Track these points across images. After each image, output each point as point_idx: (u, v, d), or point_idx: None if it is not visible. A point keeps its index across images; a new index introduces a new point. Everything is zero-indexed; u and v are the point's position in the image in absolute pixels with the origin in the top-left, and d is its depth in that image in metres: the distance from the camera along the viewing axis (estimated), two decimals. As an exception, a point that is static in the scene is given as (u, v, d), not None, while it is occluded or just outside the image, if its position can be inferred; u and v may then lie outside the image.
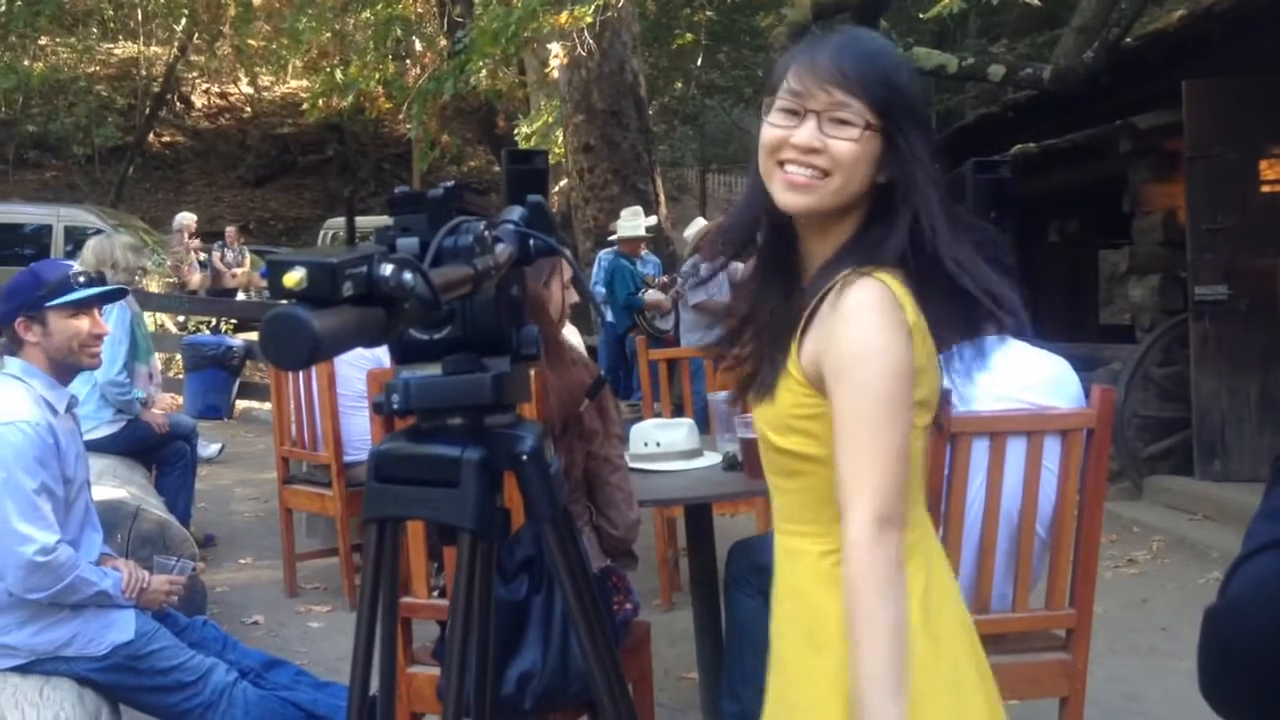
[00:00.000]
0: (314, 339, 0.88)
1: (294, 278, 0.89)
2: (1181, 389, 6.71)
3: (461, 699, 1.23)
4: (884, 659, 1.35)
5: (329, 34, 15.67)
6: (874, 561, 1.37)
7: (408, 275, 0.96)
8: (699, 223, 8.23)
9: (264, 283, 12.92)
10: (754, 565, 3.10)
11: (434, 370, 1.20)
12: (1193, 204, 6.60)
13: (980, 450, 2.59)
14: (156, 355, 6.29)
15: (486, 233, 1.13)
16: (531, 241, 1.19)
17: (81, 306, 2.98)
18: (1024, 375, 2.70)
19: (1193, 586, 5.13)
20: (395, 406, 1.19)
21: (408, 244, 1.12)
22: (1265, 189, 6.57)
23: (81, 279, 3.01)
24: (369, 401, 3.69)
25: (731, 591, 3.20)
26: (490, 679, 1.32)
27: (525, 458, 1.21)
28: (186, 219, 13.04)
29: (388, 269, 0.94)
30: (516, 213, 1.21)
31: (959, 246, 1.48)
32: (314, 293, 0.90)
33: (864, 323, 1.41)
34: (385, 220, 1.18)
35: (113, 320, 5.04)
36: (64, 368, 2.94)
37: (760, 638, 3.05)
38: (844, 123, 1.46)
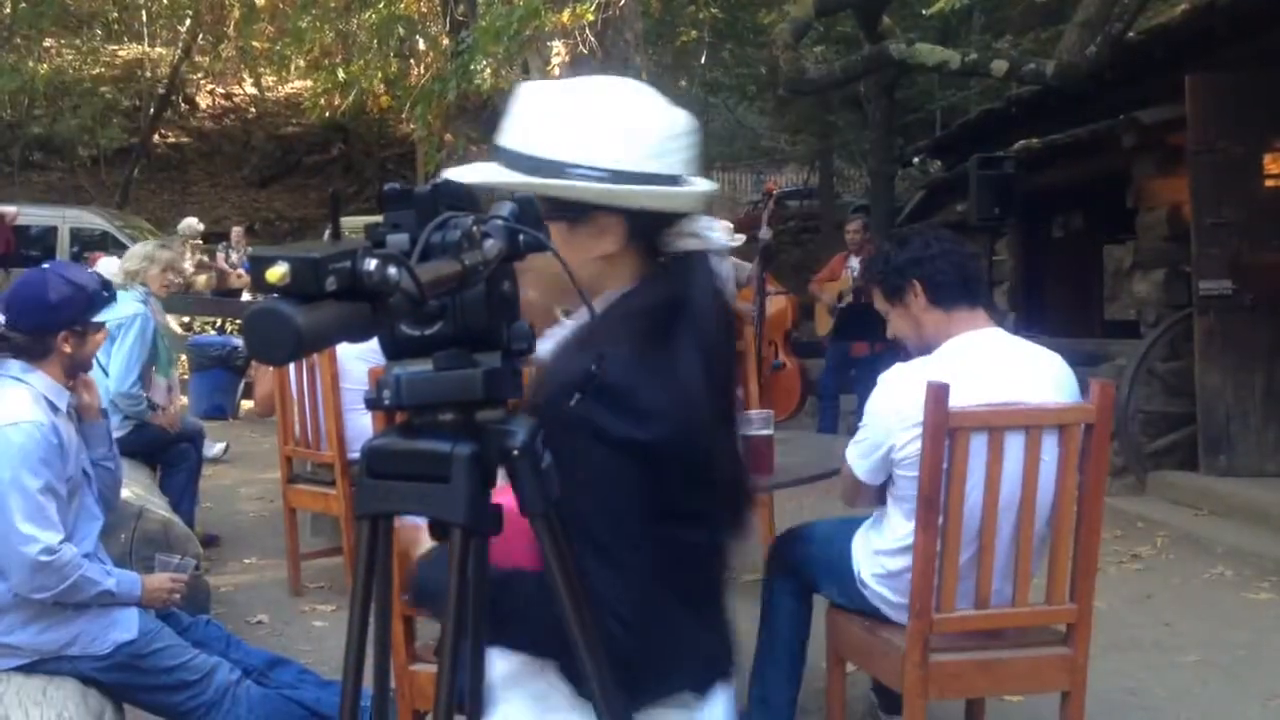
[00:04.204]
0: (297, 333, 0.89)
1: (277, 272, 0.90)
2: (1186, 384, 6.69)
3: (453, 695, 1.23)
4: None
5: (332, 34, 15.67)
6: None
7: (392, 270, 0.96)
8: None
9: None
10: (786, 565, 3.06)
11: (425, 366, 1.19)
12: (1197, 199, 6.59)
13: (979, 445, 2.59)
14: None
15: (475, 228, 1.13)
16: (521, 237, 1.19)
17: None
18: (1017, 373, 2.70)
19: (1197, 582, 5.12)
20: (386, 402, 1.19)
21: (398, 240, 1.12)
22: (1270, 183, 6.55)
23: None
24: (370, 399, 3.68)
25: (769, 588, 3.08)
26: (484, 675, 1.31)
27: (516, 452, 1.21)
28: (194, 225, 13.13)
29: (371, 264, 0.94)
30: (506, 208, 1.21)
31: None
32: (297, 287, 0.91)
33: None
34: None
35: (134, 331, 5.04)
36: (78, 370, 2.95)
37: (795, 643, 3.02)
38: None
